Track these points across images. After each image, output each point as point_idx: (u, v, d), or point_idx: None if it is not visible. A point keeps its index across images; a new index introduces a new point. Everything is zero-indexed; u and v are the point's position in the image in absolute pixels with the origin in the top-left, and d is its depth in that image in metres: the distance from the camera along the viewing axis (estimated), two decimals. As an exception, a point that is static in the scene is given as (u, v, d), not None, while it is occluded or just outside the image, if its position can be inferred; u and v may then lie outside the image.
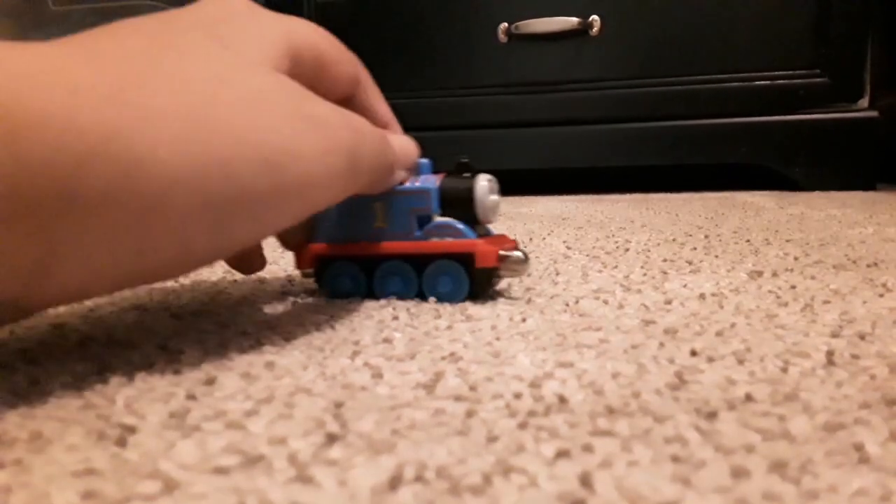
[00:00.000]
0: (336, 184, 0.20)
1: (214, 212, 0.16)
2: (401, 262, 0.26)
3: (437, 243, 0.25)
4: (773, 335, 0.20)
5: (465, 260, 0.25)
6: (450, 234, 0.25)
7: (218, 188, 0.16)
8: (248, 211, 0.17)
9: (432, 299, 0.25)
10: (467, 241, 0.25)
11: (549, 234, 0.45)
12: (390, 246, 0.26)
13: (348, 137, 0.20)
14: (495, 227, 0.31)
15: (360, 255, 0.26)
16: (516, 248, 0.25)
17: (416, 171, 0.26)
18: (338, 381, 0.17)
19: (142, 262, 0.16)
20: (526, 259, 0.25)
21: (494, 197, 0.26)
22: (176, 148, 0.15)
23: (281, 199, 0.18)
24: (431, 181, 0.26)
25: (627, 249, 0.38)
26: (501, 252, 0.25)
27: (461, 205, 0.25)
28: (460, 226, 0.25)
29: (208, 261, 0.18)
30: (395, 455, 0.13)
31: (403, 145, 0.25)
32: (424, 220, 0.25)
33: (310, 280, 0.27)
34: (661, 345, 0.19)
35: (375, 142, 0.22)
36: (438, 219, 0.25)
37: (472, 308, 0.24)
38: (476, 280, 0.25)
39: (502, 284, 0.28)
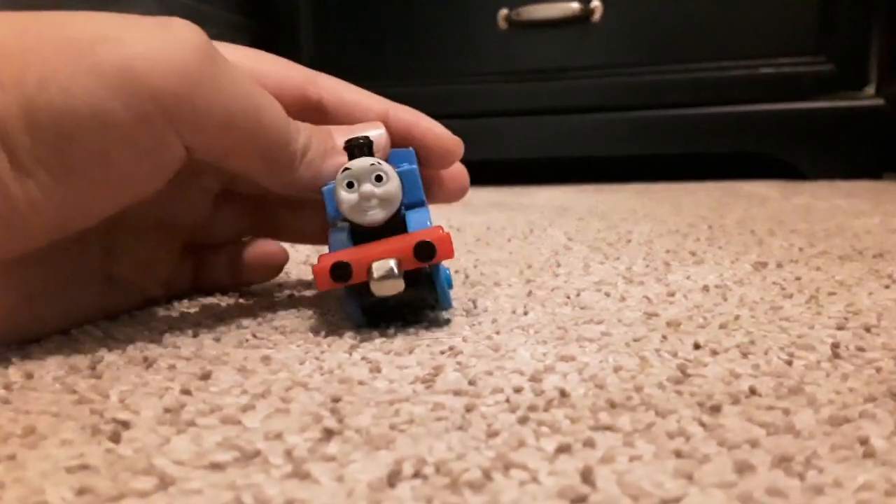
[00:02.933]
0: (171, 77, 0.16)
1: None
2: None
3: None
4: (777, 327, 0.20)
5: None
6: None
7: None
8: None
9: None
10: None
11: (550, 225, 0.45)
12: None
13: (208, 46, 0.17)
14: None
15: None
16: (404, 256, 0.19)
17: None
18: (335, 375, 0.17)
19: None
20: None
21: (355, 193, 0.19)
22: None
23: (100, 80, 0.15)
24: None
25: (630, 240, 0.37)
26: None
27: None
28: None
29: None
30: (394, 450, 0.12)
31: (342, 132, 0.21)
32: None
33: (306, 273, 0.27)
34: (664, 338, 0.19)
35: (250, 95, 0.18)
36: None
37: (472, 302, 0.24)
38: None
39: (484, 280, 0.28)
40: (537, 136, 0.85)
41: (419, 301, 0.20)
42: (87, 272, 0.21)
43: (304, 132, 0.20)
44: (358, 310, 0.20)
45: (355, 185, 0.19)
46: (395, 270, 0.18)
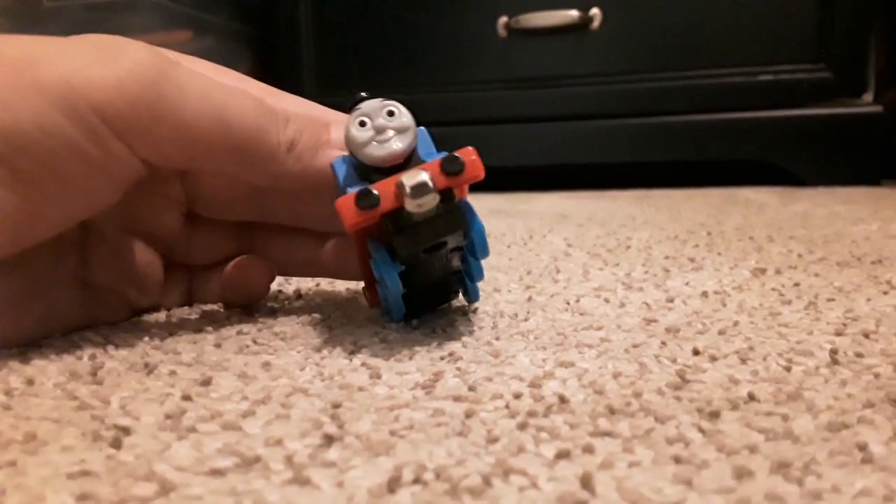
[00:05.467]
0: (122, 97, 0.17)
1: None
2: None
3: None
4: (776, 333, 0.20)
5: None
6: None
7: None
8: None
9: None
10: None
11: (549, 232, 0.45)
12: None
13: (149, 57, 0.17)
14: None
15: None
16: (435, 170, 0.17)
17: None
18: (335, 381, 0.17)
19: None
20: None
21: (370, 130, 0.18)
22: None
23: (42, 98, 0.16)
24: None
25: (629, 247, 0.37)
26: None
27: None
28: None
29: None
30: (394, 456, 0.12)
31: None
32: None
33: (306, 279, 0.27)
34: (663, 344, 0.19)
35: (220, 95, 0.18)
36: None
37: (472, 306, 0.24)
38: None
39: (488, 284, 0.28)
40: (537, 143, 0.85)
41: (453, 262, 0.19)
42: (64, 279, 0.21)
43: (293, 124, 0.20)
44: (395, 276, 0.18)
45: (368, 123, 0.18)
46: (430, 184, 0.17)
